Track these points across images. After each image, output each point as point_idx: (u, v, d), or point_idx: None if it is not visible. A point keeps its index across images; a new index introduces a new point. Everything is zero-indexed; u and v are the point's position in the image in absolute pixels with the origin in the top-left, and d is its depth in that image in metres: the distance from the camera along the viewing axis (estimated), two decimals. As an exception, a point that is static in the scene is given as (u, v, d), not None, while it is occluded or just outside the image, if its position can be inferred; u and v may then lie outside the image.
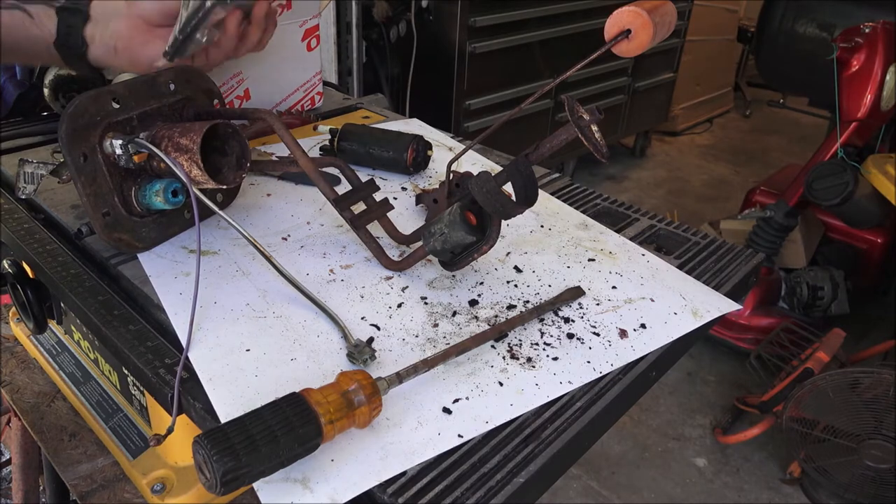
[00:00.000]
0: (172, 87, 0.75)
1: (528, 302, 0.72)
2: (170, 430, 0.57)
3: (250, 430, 0.47)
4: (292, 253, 0.78)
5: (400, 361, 0.62)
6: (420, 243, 0.73)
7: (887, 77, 2.20)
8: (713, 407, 2.28)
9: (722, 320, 0.73)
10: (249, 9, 0.80)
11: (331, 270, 0.75)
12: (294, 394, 0.51)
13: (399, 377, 0.57)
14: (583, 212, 0.92)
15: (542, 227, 0.87)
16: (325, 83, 1.24)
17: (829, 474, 1.82)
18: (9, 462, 1.65)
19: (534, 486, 0.54)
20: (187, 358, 0.60)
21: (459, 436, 0.55)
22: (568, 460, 0.59)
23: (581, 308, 0.72)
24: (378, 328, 0.67)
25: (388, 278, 0.75)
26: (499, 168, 0.91)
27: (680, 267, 0.81)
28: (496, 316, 0.70)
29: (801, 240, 2.39)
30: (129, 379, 0.79)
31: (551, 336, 0.67)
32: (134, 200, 0.73)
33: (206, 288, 0.70)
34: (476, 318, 0.69)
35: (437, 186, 0.94)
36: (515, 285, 0.75)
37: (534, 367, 0.63)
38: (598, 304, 0.73)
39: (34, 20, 0.76)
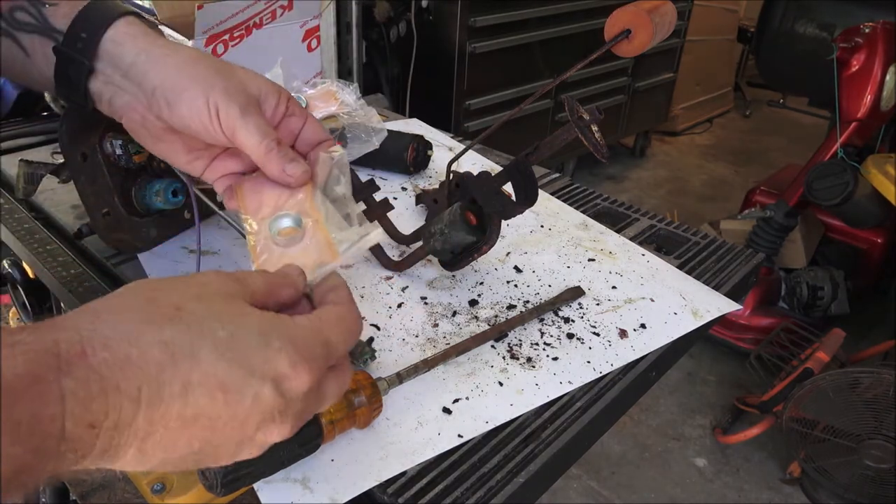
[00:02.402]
0: (172, 87, 0.75)
1: (528, 302, 0.72)
2: (170, 430, 0.57)
3: (250, 430, 0.47)
4: (292, 253, 0.78)
5: (400, 361, 0.62)
6: (420, 243, 0.73)
7: (887, 77, 2.19)
8: (713, 407, 2.27)
9: (722, 320, 0.73)
10: None
11: (331, 270, 0.75)
12: (294, 394, 0.51)
13: (399, 377, 0.57)
14: (583, 212, 0.92)
15: (542, 227, 0.87)
16: (325, 83, 1.24)
17: (829, 474, 1.82)
18: (9, 462, 1.65)
19: (534, 486, 0.54)
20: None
21: (459, 436, 0.55)
22: (568, 460, 0.59)
23: (581, 308, 0.72)
24: (378, 328, 0.67)
25: (388, 278, 0.75)
26: (499, 168, 0.91)
27: (680, 267, 0.81)
28: (496, 316, 0.70)
29: (801, 240, 2.38)
30: (129, 379, 0.79)
31: (551, 336, 0.67)
32: (134, 200, 0.73)
33: (206, 288, 0.70)
34: (476, 318, 0.69)
35: (437, 186, 0.94)
36: (515, 285, 0.75)
37: (534, 367, 0.63)
38: (598, 304, 0.73)
39: (30, 58, 0.59)
